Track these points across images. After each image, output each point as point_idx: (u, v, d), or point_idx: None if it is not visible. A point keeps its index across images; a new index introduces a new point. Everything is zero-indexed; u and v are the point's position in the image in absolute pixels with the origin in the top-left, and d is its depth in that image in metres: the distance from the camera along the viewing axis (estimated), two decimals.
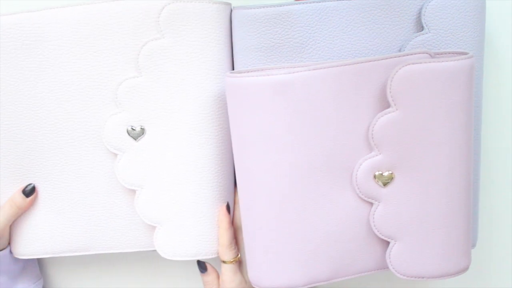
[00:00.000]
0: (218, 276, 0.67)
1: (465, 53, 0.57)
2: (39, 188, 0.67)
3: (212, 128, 0.64)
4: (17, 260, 0.70)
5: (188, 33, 0.62)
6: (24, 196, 0.66)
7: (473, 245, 0.66)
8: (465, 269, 0.62)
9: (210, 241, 0.65)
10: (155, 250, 0.67)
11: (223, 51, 0.63)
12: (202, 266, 0.67)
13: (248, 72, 0.58)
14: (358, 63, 0.57)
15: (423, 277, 0.61)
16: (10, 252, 0.69)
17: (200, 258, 0.66)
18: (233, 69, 0.65)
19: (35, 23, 0.63)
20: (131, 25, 0.62)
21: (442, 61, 0.55)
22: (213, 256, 0.66)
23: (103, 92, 0.64)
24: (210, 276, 0.67)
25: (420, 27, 0.62)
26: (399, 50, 0.62)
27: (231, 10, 0.64)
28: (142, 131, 0.64)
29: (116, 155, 0.65)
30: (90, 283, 0.78)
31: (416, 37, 0.61)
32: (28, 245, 0.68)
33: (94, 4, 0.63)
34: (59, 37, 0.63)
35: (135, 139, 0.64)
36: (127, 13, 0.62)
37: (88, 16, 0.63)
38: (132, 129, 0.64)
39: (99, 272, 0.77)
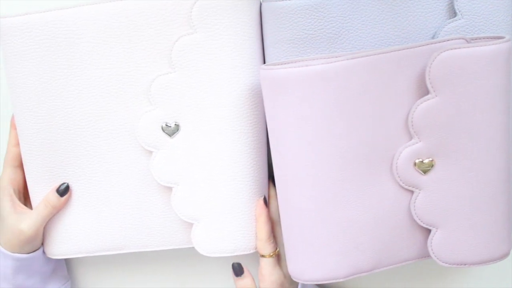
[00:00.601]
0: (252, 280, 0.67)
1: (502, 37, 0.57)
2: (73, 187, 0.67)
3: (246, 122, 0.64)
4: (49, 260, 0.70)
5: (220, 27, 0.62)
6: (58, 196, 0.65)
7: None
8: (506, 254, 0.62)
9: (247, 236, 0.65)
10: (190, 247, 0.67)
11: (254, 44, 0.63)
12: (239, 269, 0.66)
13: (283, 64, 0.58)
14: (394, 51, 0.57)
15: (465, 264, 0.61)
16: (43, 252, 0.69)
17: (239, 253, 0.65)
18: (264, 63, 0.65)
19: (68, 20, 0.63)
20: (163, 21, 0.62)
21: (480, 46, 0.55)
22: (251, 251, 0.66)
23: (136, 89, 0.64)
24: (245, 279, 0.66)
25: (453, 13, 0.61)
26: (433, 37, 0.62)
27: (261, 4, 0.64)
28: (177, 127, 0.64)
29: (151, 152, 0.65)
30: (117, 284, 0.77)
31: (449, 23, 0.61)
32: (62, 245, 0.68)
33: (126, 1, 0.62)
34: (91, 34, 0.63)
35: (170, 136, 0.64)
36: (159, 9, 0.62)
37: (120, 12, 0.62)
38: (167, 125, 0.64)
39: (128, 271, 0.77)
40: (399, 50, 0.57)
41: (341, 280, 0.60)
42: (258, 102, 0.64)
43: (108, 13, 0.63)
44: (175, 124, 0.64)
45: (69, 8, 0.63)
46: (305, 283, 0.61)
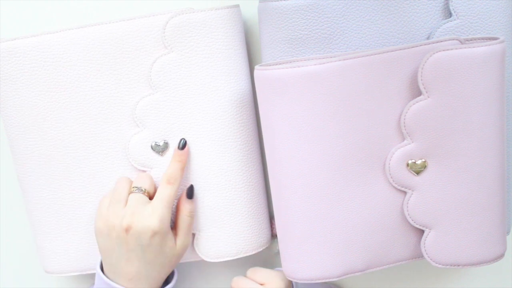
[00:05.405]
0: None
1: (496, 38, 0.56)
2: (68, 208, 0.67)
3: (232, 132, 0.65)
4: None
5: (195, 44, 0.63)
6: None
7: (508, 232, 0.66)
8: (501, 256, 0.62)
9: (248, 238, 0.67)
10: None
11: (233, 54, 0.64)
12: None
13: (277, 64, 0.59)
14: (388, 51, 0.57)
15: (458, 265, 0.61)
16: None
17: (241, 256, 0.67)
18: (250, 68, 0.66)
19: (55, 45, 0.63)
20: (140, 43, 0.63)
21: (473, 47, 0.55)
22: (254, 252, 0.68)
23: (123, 111, 0.65)
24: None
25: (448, 14, 0.61)
26: (428, 38, 0.62)
27: (240, 10, 0.64)
28: (166, 145, 0.65)
29: (144, 171, 0.66)
30: None
31: (444, 24, 0.61)
32: (59, 263, 0.69)
33: (105, 25, 0.63)
34: (78, 57, 0.64)
35: (161, 154, 0.65)
36: (135, 32, 0.63)
37: (105, 35, 0.63)
38: (156, 144, 0.65)
39: None
40: (392, 51, 0.57)
41: (334, 279, 0.61)
42: (241, 110, 0.65)
43: (94, 37, 0.63)
44: (164, 142, 0.65)
45: (56, 33, 0.63)
46: (299, 282, 0.62)
